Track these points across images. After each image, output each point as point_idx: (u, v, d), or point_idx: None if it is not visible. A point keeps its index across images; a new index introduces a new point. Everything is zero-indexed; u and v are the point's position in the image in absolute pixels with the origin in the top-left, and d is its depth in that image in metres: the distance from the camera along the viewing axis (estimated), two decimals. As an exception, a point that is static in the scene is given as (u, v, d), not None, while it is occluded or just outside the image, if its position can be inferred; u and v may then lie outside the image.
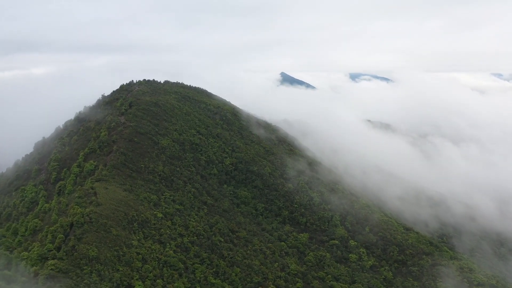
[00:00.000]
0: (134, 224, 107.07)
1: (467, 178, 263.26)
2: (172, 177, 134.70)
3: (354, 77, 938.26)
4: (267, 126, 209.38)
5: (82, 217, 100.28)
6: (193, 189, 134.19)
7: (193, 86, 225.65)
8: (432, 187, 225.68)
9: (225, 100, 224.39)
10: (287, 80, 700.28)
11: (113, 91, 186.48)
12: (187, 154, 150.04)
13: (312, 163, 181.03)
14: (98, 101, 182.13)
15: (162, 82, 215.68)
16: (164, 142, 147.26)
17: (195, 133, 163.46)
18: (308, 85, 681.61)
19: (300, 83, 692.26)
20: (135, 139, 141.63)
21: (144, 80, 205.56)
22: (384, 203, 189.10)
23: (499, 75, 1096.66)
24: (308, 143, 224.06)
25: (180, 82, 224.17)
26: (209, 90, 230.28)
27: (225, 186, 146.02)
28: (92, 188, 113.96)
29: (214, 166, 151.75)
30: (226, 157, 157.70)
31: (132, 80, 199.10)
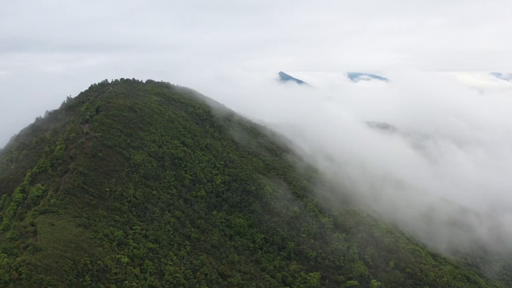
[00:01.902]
0: (86, 276, 77.18)
1: (481, 187, 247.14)
2: (146, 204, 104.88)
3: (352, 76, 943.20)
4: (267, 133, 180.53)
5: (8, 272, 70.56)
6: (172, 219, 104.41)
7: (181, 86, 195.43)
8: (446, 196, 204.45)
9: (218, 102, 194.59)
10: (286, 79, 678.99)
11: (81, 92, 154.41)
12: (167, 172, 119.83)
13: (320, 179, 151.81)
14: (63, 104, 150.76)
15: (144, 81, 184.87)
16: (137, 158, 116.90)
17: (179, 145, 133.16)
18: (306, 85, 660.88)
19: (299, 82, 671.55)
20: (100, 154, 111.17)
21: (122, 79, 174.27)
22: (400, 221, 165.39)
23: (498, 74, 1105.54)
24: (309, 147, 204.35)
25: (166, 82, 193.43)
26: (205, 90, 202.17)
27: (214, 212, 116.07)
28: (32, 225, 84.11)
29: (201, 186, 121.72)
30: (217, 175, 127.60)
31: (106, 80, 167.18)
